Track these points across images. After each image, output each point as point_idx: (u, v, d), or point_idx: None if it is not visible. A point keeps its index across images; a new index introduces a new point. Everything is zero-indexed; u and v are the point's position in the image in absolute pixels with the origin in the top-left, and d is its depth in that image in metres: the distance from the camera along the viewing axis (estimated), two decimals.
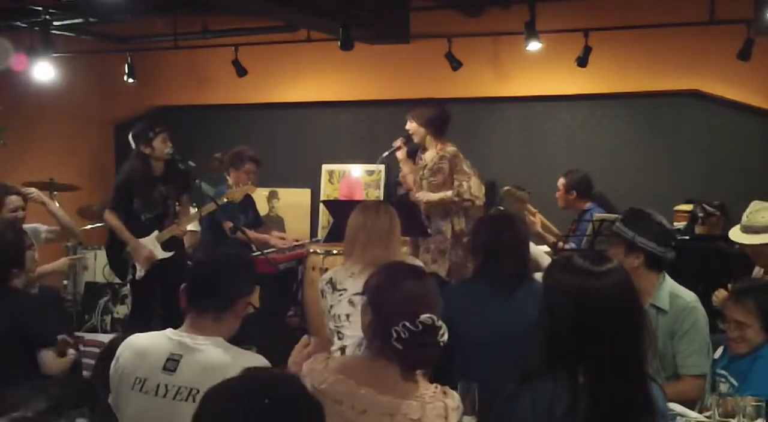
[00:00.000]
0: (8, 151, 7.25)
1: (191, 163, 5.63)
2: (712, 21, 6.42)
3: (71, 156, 8.29)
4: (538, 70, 7.15)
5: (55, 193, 7.06)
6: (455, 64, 7.07)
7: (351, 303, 3.51)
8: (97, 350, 3.29)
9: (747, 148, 6.79)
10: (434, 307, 2.25)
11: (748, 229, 3.98)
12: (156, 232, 5.55)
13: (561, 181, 6.01)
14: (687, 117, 6.99)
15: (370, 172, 7.93)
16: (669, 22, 6.58)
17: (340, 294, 3.58)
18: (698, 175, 6.86)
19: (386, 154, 5.56)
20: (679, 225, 5.87)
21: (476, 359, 3.17)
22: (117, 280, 6.53)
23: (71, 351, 3.51)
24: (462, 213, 5.17)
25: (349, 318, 3.49)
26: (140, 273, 5.51)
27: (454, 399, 2.26)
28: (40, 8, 6.64)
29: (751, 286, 3.31)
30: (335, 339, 3.54)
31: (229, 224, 5.95)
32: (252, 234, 6.19)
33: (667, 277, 3.34)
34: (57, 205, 6.12)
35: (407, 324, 2.16)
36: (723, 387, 3.03)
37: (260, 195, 7.48)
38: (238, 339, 2.57)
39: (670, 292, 3.29)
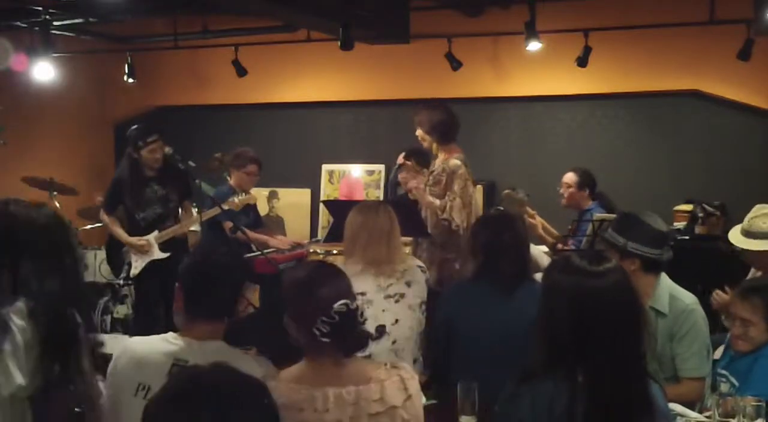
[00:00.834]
0: (8, 151, 7.25)
1: (191, 163, 5.63)
2: (712, 21, 6.42)
3: (71, 156, 8.30)
4: (538, 70, 7.15)
5: (55, 193, 7.06)
6: (455, 64, 7.07)
7: None
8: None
9: (747, 148, 6.79)
10: (347, 293, 2.29)
11: (749, 234, 3.96)
12: (156, 232, 5.57)
13: (572, 179, 5.89)
14: (687, 117, 6.99)
15: (370, 172, 7.94)
16: (669, 22, 6.58)
17: None
18: (698, 175, 6.86)
19: (396, 167, 5.50)
20: (679, 225, 5.88)
21: (476, 359, 3.17)
22: (117, 280, 6.54)
23: None
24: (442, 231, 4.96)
25: None
26: (134, 271, 5.60)
27: (406, 369, 2.31)
28: (40, 8, 6.64)
29: (760, 285, 3.30)
30: None
31: (229, 224, 5.94)
32: (252, 234, 6.19)
33: (666, 278, 3.32)
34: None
35: (324, 319, 2.20)
36: (723, 387, 3.02)
37: (260, 195, 7.48)
38: (239, 340, 2.57)
39: (670, 294, 3.28)
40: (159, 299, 5.58)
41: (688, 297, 3.30)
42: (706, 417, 2.81)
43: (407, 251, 4.85)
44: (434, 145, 5.09)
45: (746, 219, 3.99)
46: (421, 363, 3.63)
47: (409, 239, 5.11)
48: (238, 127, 8.26)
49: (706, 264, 4.03)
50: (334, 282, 2.31)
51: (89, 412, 2.23)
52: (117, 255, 5.72)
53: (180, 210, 5.77)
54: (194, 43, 7.88)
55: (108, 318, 6.70)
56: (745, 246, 3.96)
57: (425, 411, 2.37)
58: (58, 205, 6.98)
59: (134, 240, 5.57)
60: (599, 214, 5.50)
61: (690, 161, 6.94)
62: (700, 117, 6.94)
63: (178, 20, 7.66)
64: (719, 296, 4.05)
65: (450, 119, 5.07)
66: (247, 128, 8.25)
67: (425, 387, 2.77)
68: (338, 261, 4.70)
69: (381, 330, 3.48)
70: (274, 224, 7.81)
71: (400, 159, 5.37)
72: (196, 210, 5.95)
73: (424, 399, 2.49)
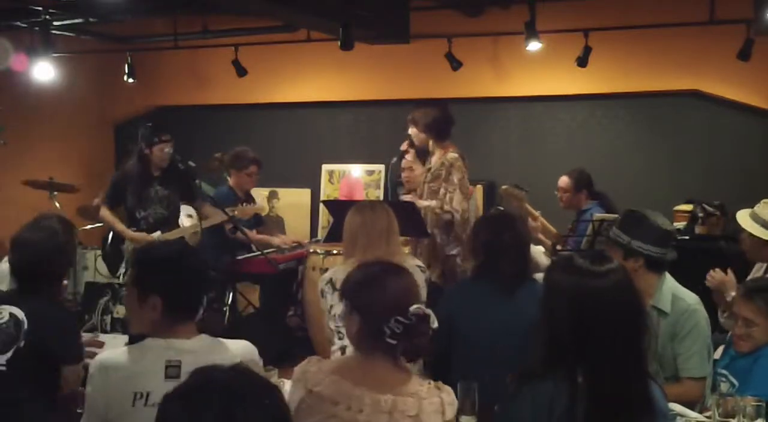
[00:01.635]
0: (8, 151, 7.24)
1: (191, 163, 5.63)
2: (712, 21, 6.41)
3: (71, 156, 8.30)
4: (538, 70, 7.15)
5: (55, 192, 7.06)
6: (455, 64, 7.06)
7: None
8: (97, 350, 3.26)
9: (747, 148, 6.79)
10: (419, 297, 2.31)
11: (756, 219, 3.97)
12: (158, 233, 5.56)
13: (567, 182, 5.92)
14: (687, 117, 6.99)
15: (370, 172, 7.94)
16: (669, 22, 6.57)
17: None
18: (698, 175, 6.86)
19: (395, 159, 5.51)
20: (679, 225, 5.88)
21: (476, 359, 3.17)
22: (117, 280, 6.52)
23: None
24: (444, 227, 4.96)
25: None
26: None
27: (449, 393, 2.28)
28: (40, 8, 6.64)
29: (764, 285, 3.30)
30: (335, 339, 3.53)
31: (228, 224, 5.94)
32: (253, 234, 6.19)
33: (669, 278, 3.32)
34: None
35: (400, 318, 2.18)
36: (723, 387, 3.02)
37: (260, 195, 7.49)
38: (238, 340, 2.58)
39: (672, 294, 3.27)
40: None
41: (690, 298, 3.30)
42: (706, 417, 2.81)
43: (407, 251, 4.85)
44: (430, 143, 5.12)
45: (757, 205, 3.99)
46: (421, 363, 3.63)
47: (408, 239, 5.12)
48: (238, 127, 8.26)
49: (706, 264, 4.02)
50: (408, 282, 2.32)
51: None
52: (115, 253, 5.66)
53: (195, 212, 5.74)
54: (194, 43, 7.88)
55: (108, 318, 6.69)
56: (749, 228, 3.95)
57: None
58: (58, 205, 6.98)
59: (140, 236, 5.49)
60: (599, 214, 5.50)
61: (690, 161, 6.94)
62: (700, 117, 6.94)
63: (178, 20, 7.66)
64: (716, 273, 4.00)
65: (445, 116, 5.11)
66: (247, 128, 8.25)
67: None
68: (338, 262, 4.71)
69: None
70: (274, 224, 7.82)
71: (404, 146, 5.37)
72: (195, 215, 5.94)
73: None
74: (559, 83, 7.15)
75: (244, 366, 1.62)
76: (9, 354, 2.98)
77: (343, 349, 3.46)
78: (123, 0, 6.52)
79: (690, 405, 2.98)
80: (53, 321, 3.18)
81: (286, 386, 2.48)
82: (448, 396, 2.26)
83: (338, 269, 3.71)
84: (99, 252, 6.97)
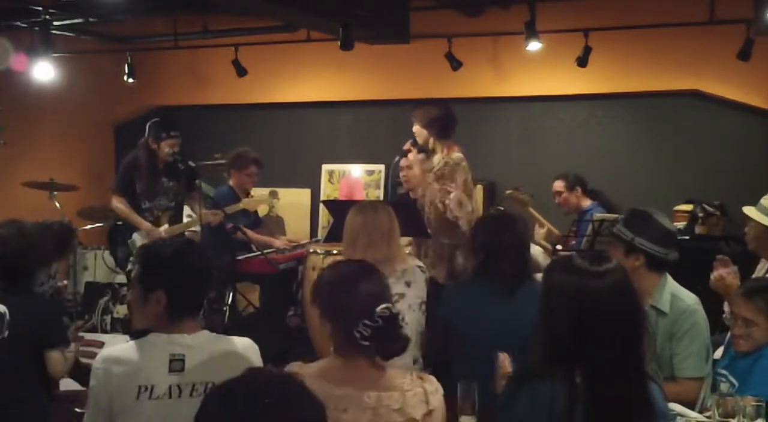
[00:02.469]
0: (8, 151, 7.24)
1: (191, 163, 5.63)
2: (712, 21, 6.41)
3: (71, 156, 8.30)
4: (538, 70, 7.15)
5: (55, 193, 7.06)
6: (455, 64, 7.07)
7: None
8: (97, 350, 3.27)
9: (747, 148, 6.79)
10: (388, 296, 2.31)
11: (762, 210, 3.94)
12: (165, 226, 5.56)
13: (560, 185, 5.96)
14: (687, 117, 6.99)
15: (370, 172, 7.94)
16: (669, 22, 6.57)
17: None
18: (698, 175, 6.85)
19: (397, 158, 5.50)
20: (679, 225, 5.88)
21: (476, 359, 3.17)
22: (117, 280, 6.53)
23: (71, 349, 3.50)
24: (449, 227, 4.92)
25: None
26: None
27: (431, 383, 2.31)
28: (40, 8, 6.64)
29: (764, 285, 3.30)
30: None
31: (228, 224, 5.95)
32: (253, 235, 6.19)
33: (669, 278, 3.32)
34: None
35: (367, 322, 2.21)
36: (723, 387, 3.02)
37: (260, 195, 7.48)
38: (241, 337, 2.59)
39: (672, 294, 3.28)
40: None
41: (689, 298, 3.31)
42: (706, 417, 2.81)
43: (407, 251, 4.85)
44: (431, 140, 5.10)
45: (763, 197, 3.96)
46: (421, 363, 3.63)
47: (409, 239, 5.12)
48: (238, 127, 8.26)
49: (706, 264, 4.01)
50: (375, 283, 2.32)
51: None
52: (125, 245, 5.66)
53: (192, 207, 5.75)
54: (194, 43, 7.88)
55: (108, 318, 6.70)
56: (756, 218, 3.92)
57: None
58: (58, 205, 6.98)
59: (151, 227, 5.50)
60: (599, 214, 5.50)
61: (690, 161, 6.94)
62: (700, 117, 6.94)
63: (178, 20, 7.66)
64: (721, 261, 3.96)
65: (447, 115, 5.08)
66: (247, 128, 8.25)
67: None
68: None
69: None
70: (274, 224, 7.81)
71: (407, 145, 5.35)
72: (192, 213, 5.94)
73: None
74: (559, 83, 7.15)
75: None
76: None
77: None
78: (123, 0, 6.52)
79: (688, 405, 2.98)
80: (34, 309, 3.33)
81: None
82: (430, 386, 2.29)
83: None
84: (99, 252, 6.97)
